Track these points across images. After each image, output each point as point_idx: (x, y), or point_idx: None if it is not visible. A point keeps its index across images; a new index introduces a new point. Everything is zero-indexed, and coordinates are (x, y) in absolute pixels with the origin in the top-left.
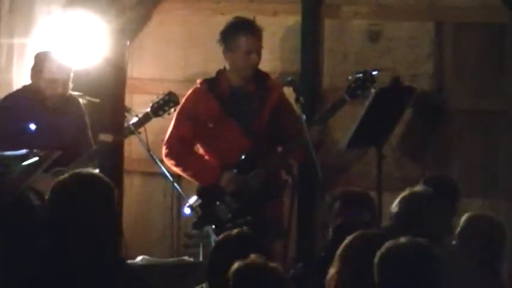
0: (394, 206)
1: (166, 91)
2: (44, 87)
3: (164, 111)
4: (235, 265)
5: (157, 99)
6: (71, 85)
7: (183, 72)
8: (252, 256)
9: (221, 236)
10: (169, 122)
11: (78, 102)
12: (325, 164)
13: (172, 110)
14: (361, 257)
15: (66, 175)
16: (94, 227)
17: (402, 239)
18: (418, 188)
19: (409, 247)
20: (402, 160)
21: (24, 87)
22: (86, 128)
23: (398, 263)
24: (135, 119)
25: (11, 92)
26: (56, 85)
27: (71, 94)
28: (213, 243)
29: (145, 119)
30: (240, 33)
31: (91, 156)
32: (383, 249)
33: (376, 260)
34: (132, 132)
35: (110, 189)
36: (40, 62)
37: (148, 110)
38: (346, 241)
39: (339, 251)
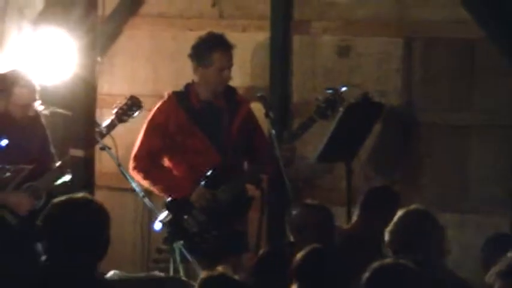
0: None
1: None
2: (14, 111)
3: (128, 116)
4: (202, 275)
5: (121, 105)
6: (38, 103)
7: (153, 87)
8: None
9: (203, 277)
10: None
11: (39, 117)
12: (295, 178)
13: (137, 113)
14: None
15: (62, 198)
16: (84, 249)
17: (387, 260)
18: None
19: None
20: (371, 175)
21: None
22: (48, 143)
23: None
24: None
25: None
26: (26, 109)
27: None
28: (178, 259)
29: (111, 126)
30: (214, 49)
31: (60, 171)
32: (369, 270)
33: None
34: (102, 148)
35: (104, 215)
36: (9, 86)
37: (113, 117)
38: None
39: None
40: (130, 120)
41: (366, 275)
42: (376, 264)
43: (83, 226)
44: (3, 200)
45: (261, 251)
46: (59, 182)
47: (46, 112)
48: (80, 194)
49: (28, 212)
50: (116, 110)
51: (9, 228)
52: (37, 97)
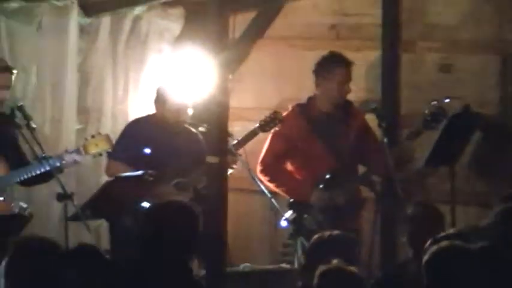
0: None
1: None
2: (169, 116)
3: (270, 128)
4: (319, 268)
5: (265, 117)
6: (190, 111)
7: (277, 101)
8: (334, 261)
9: (314, 238)
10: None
11: (195, 133)
12: (405, 180)
13: (277, 126)
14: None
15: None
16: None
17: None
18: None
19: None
20: (472, 177)
21: (150, 115)
22: (202, 150)
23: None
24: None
25: (135, 118)
26: (178, 114)
27: (188, 127)
28: (300, 252)
29: (252, 134)
30: (336, 65)
31: (201, 173)
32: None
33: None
34: (234, 155)
35: (195, 217)
36: (163, 95)
37: (257, 126)
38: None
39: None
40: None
41: (425, 257)
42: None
43: (178, 227)
44: (158, 192)
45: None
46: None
47: (202, 129)
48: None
49: None
50: (260, 121)
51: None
52: (187, 106)
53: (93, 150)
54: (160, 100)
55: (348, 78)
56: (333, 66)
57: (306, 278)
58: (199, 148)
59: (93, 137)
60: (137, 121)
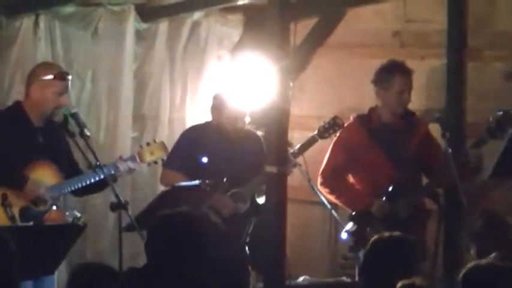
0: None
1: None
2: (226, 124)
3: (330, 134)
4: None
5: (324, 123)
6: (247, 119)
7: (338, 109)
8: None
9: (373, 239)
10: (325, 155)
11: (257, 135)
12: (469, 192)
13: (338, 132)
14: None
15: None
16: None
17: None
18: None
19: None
20: None
21: (206, 123)
22: (263, 157)
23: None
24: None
25: (191, 126)
26: (236, 121)
27: (249, 129)
28: None
29: (311, 141)
30: (394, 74)
31: (259, 182)
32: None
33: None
34: (294, 165)
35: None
36: (221, 102)
37: (315, 133)
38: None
39: None
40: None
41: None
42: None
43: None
44: (214, 202)
45: None
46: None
47: (260, 133)
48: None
49: (230, 214)
50: (319, 127)
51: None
52: (246, 113)
53: (148, 158)
54: (217, 107)
55: (407, 87)
56: (391, 75)
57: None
58: (259, 154)
59: (148, 144)
60: (193, 129)
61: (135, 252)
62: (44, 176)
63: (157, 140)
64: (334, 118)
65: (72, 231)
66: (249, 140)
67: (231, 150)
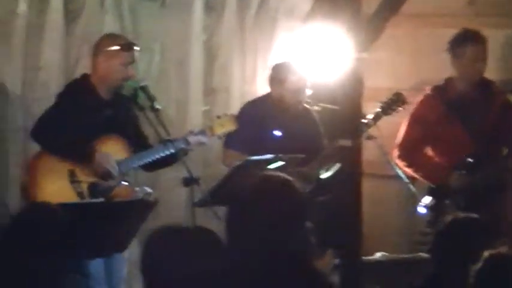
0: None
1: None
2: (287, 96)
3: (392, 110)
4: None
5: (386, 100)
6: (308, 92)
7: (414, 81)
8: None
9: (448, 220)
10: (399, 127)
11: (313, 114)
12: None
13: (401, 108)
14: None
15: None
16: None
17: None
18: None
19: None
20: None
21: (265, 96)
22: (320, 134)
23: None
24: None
25: (250, 101)
26: (297, 94)
27: (305, 106)
28: None
29: (376, 118)
30: (467, 43)
31: (325, 159)
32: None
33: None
34: (369, 138)
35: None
36: (282, 74)
37: (379, 109)
38: None
39: None
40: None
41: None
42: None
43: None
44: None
45: None
46: (329, 172)
47: (317, 108)
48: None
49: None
50: (381, 103)
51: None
52: (308, 85)
53: (219, 131)
54: (278, 79)
55: (481, 56)
56: (464, 44)
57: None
58: (317, 133)
59: (218, 117)
60: (252, 104)
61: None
62: (113, 150)
63: (227, 113)
64: (397, 94)
65: (143, 207)
66: (306, 117)
67: (290, 125)
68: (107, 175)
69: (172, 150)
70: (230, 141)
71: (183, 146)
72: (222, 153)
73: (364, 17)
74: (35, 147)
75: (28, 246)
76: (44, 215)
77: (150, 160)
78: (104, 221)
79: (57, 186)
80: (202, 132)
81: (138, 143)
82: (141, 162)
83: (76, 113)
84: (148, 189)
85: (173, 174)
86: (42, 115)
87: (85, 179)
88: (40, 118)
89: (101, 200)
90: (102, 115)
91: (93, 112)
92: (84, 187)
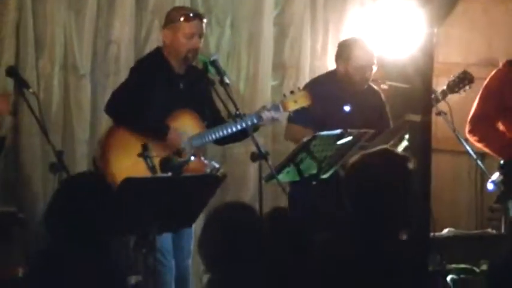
0: None
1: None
2: (352, 73)
3: (459, 89)
4: None
5: (453, 78)
6: (375, 69)
7: (486, 57)
8: None
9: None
10: (472, 103)
11: (379, 92)
12: None
13: (467, 87)
14: None
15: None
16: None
17: None
18: None
19: None
20: None
21: (331, 72)
22: (386, 113)
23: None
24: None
25: (314, 78)
26: (363, 71)
27: (370, 84)
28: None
29: (442, 96)
30: None
31: (391, 134)
32: None
33: None
34: (438, 114)
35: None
36: (347, 50)
37: (445, 87)
38: None
39: None
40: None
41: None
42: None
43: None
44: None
45: None
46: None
47: (385, 86)
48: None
49: None
50: (448, 81)
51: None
52: (375, 61)
53: (292, 107)
54: (344, 56)
55: None
56: None
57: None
58: (382, 109)
59: (292, 92)
60: (317, 81)
61: (276, 204)
62: (186, 125)
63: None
64: (464, 72)
65: (211, 182)
66: (372, 94)
67: (357, 101)
68: (179, 152)
69: (245, 126)
70: (295, 115)
71: (255, 121)
72: (286, 127)
73: None
74: (103, 123)
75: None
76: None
77: (222, 135)
78: (172, 195)
79: (129, 161)
80: (275, 108)
81: (210, 116)
82: (214, 138)
83: (150, 87)
84: (217, 164)
85: (242, 149)
86: (116, 90)
87: (158, 153)
88: (113, 93)
89: (169, 174)
90: (175, 89)
91: (167, 86)
92: (156, 162)
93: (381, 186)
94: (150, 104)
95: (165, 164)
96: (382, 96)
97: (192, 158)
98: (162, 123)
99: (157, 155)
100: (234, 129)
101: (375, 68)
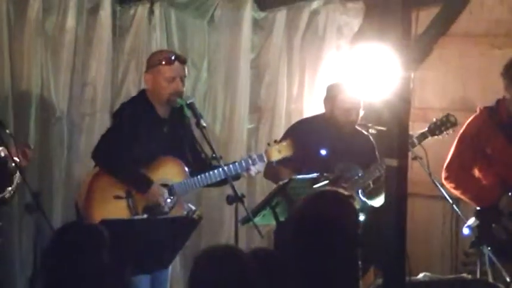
0: None
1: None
2: (338, 115)
3: (441, 132)
4: None
5: (435, 120)
6: (361, 113)
7: (462, 101)
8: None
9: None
10: (448, 148)
11: (367, 135)
12: None
13: (450, 131)
14: None
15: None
16: None
17: None
18: None
19: None
20: None
21: (319, 115)
22: (374, 152)
23: None
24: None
25: (299, 120)
26: (349, 113)
27: (358, 128)
28: (487, 262)
29: (418, 140)
30: None
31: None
32: None
33: None
34: (414, 158)
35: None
36: (333, 93)
37: (426, 130)
38: None
39: None
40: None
41: None
42: None
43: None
44: None
45: None
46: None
47: (373, 131)
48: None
49: None
50: (430, 124)
51: None
52: (360, 106)
53: (275, 156)
54: (330, 98)
55: None
56: None
57: None
58: (371, 154)
59: (276, 142)
60: (303, 122)
61: (251, 247)
62: (170, 173)
63: (274, 133)
64: (447, 115)
65: (187, 224)
66: (360, 138)
67: (342, 145)
68: (158, 207)
69: (234, 175)
70: None
71: (244, 173)
72: (265, 166)
73: (414, 37)
74: (79, 164)
75: (71, 263)
76: (86, 233)
77: (205, 184)
78: (149, 237)
79: (113, 206)
80: (260, 158)
81: (192, 160)
82: (197, 187)
83: (136, 132)
84: (193, 207)
85: (217, 191)
86: (102, 137)
87: (141, 201)
88: (100, 141)
89: (144, 216)
90: (159, 133)
91: (152, 130)
92: (139, 208)
93: (321, 221)
94: (136, 148)
95: (148, 212)
96: (372, 140)
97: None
98: (145, 176)
99: (140, 203)
100: (218, 178)
101: (361, 112)
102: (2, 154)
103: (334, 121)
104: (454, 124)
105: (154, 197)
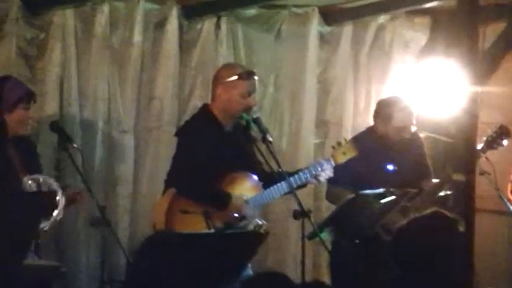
0: None
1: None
2: (392, 133)
3: (498, 144)
4: None
5: (490, 134)
6: (414, 129)
7: None
8: None
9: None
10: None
11: (420, 139)
12: None
13: (505, 141)
14: None
15: None
16: None
17: None
18: None
19: None
20: None
21: (370, 129)
22: (425, 158)
23: None
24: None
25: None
26: (404, 131)
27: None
28: None
29: (482, 152)
30: None
31: (438, 186)
32: None
33: None
34: (482, 173)
35: None
36: (388, 110)
37: (483, 144)
38: None
39: None
40: (500, 148)
41: None
42: None
43: None
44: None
45: None
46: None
47: (422, 135)
48: None
49: None
50: (486, 138)
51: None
52: (414, 121)
53: (341, 159)
54: (384, 116)
55: None
56: None
57: None
58: (422, 157)
59: (339, 144)
60: (357, 138)
61: (318, 262)
62: (243, 188)
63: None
64: (500, 127)
65: (254, 239)
66: (411, 144)
67: (397, 158)
68: (241, 219)
69: (300, 183)
70: (335, 176)
71: (313, 180)
72: (326, 189)
73: (480, 52)
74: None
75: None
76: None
77: (280, 194)
78: (216, 252)
79: (190, 227)
80: (328, 162)
81: (262, 174)
82: (272, 198)
83: (206, 152)
84: (260, 221)
85: (283, 206)
86: (175, 163)
87: (219, 219)
88: (174, 167)
89: (212, 231)
90: (228, 149)
91: (220, 146)
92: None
93: (432, 249)
94: (207, 167)
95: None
96: (422, 144)
97: (259, 222)
98: (223, 191)
99: (219, 222)
100: (294, 185)
101: (414, 128)
102: (55, 186)
103: (388, 137)
104: (508, 135)
105: (237, 208)
